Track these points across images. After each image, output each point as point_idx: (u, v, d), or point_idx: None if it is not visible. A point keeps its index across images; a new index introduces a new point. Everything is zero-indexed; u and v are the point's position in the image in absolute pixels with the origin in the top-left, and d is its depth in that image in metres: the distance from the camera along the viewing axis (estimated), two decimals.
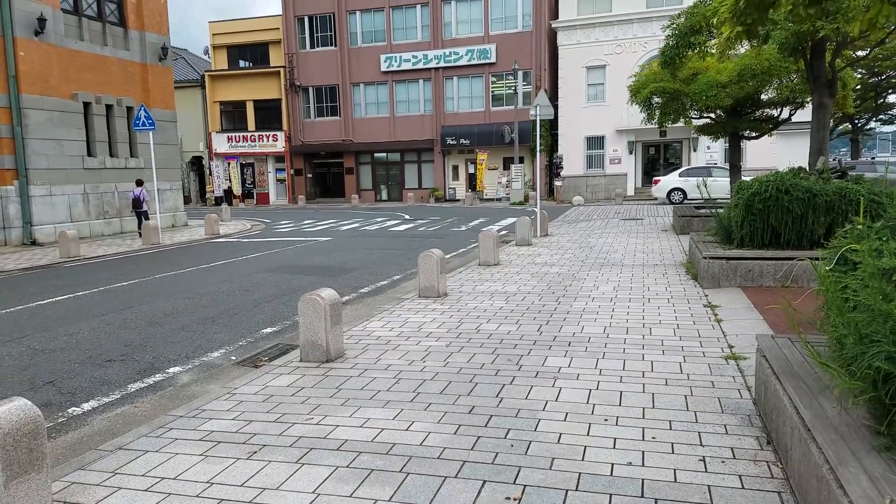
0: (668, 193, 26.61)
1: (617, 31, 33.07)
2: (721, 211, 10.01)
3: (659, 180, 27.50)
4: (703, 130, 17.62)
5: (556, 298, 7.97)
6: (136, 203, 18.20)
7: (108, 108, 19.40)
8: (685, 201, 26.05)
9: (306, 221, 23.53)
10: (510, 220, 20.84)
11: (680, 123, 17.79)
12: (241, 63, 39.21)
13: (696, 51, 10.59)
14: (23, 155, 16.53)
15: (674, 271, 9.68)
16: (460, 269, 10.78)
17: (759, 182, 8.46)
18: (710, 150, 31.95)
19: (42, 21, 16.66)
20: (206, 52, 41.28)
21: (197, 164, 40.00)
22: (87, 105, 18.65)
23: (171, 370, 5.93)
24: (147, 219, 17.94)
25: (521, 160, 32.24)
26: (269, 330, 7.28)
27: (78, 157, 18.26)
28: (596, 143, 34.16)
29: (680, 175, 26.90)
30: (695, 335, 6.05)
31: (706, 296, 7.76)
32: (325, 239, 17.07)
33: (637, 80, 18.01)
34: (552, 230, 16.86)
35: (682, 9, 12.60)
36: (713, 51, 10.96)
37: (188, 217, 24.27)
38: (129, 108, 20.03)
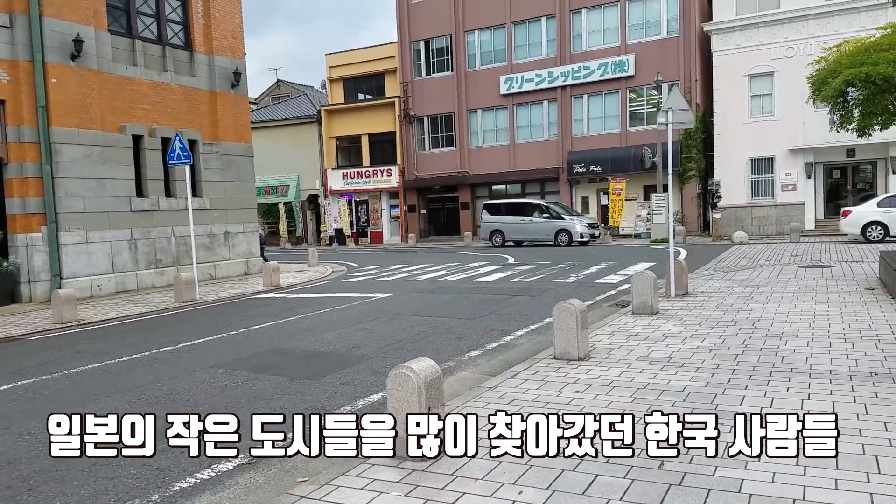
0: (864, 229, 20.28)
1: (787, 30, 26.85)
2: None
3: (850, 211, 21.15)
4: None
5: (663, 490, 3.28)
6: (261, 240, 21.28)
7: (165, 141, 17.07)
8: (887, 238, 19.77)
9: (393, 266, 19.86)
10: (644, 266, 15.79)
11: (879, 137, 12.15)
12: (359, 96, 37.23)
13: None
14: (52, 197, 14.36)
15: None
16: (514, 367, 6.30)
17: None
18: None
19: (79, 43, 14.57)
20: (324, 86, 39.91)
21: (314, 202, 38.34)
22: (137, 139, 16.38)
23: None
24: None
25: (666, 188, 26.65)
26: None
27: (124, 198, 15.95)
28: (763, 165, 27.81)
29: (880, 205, 20.43)
30: None
31: None
32: (384, 295, 13.14)
33: (825, 67, 12.57)
34: (696, 284, 11.72)
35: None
36: None
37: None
38: (193, 142, 17.66)
